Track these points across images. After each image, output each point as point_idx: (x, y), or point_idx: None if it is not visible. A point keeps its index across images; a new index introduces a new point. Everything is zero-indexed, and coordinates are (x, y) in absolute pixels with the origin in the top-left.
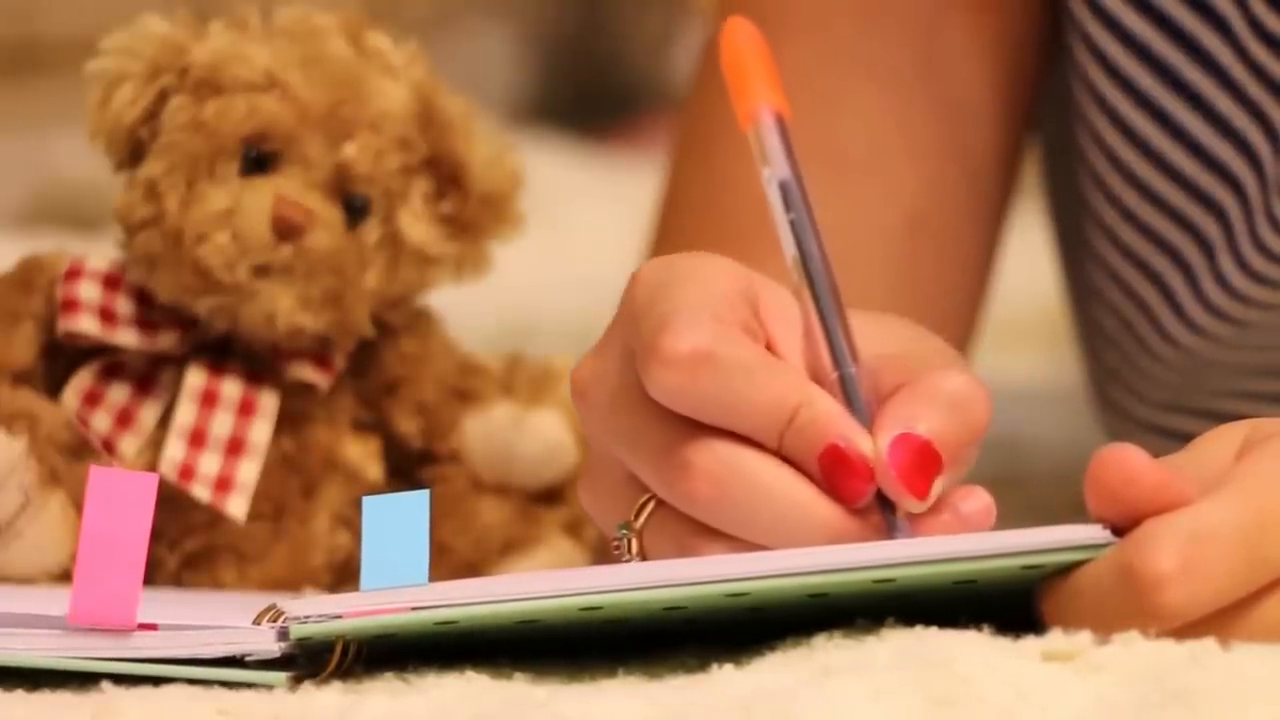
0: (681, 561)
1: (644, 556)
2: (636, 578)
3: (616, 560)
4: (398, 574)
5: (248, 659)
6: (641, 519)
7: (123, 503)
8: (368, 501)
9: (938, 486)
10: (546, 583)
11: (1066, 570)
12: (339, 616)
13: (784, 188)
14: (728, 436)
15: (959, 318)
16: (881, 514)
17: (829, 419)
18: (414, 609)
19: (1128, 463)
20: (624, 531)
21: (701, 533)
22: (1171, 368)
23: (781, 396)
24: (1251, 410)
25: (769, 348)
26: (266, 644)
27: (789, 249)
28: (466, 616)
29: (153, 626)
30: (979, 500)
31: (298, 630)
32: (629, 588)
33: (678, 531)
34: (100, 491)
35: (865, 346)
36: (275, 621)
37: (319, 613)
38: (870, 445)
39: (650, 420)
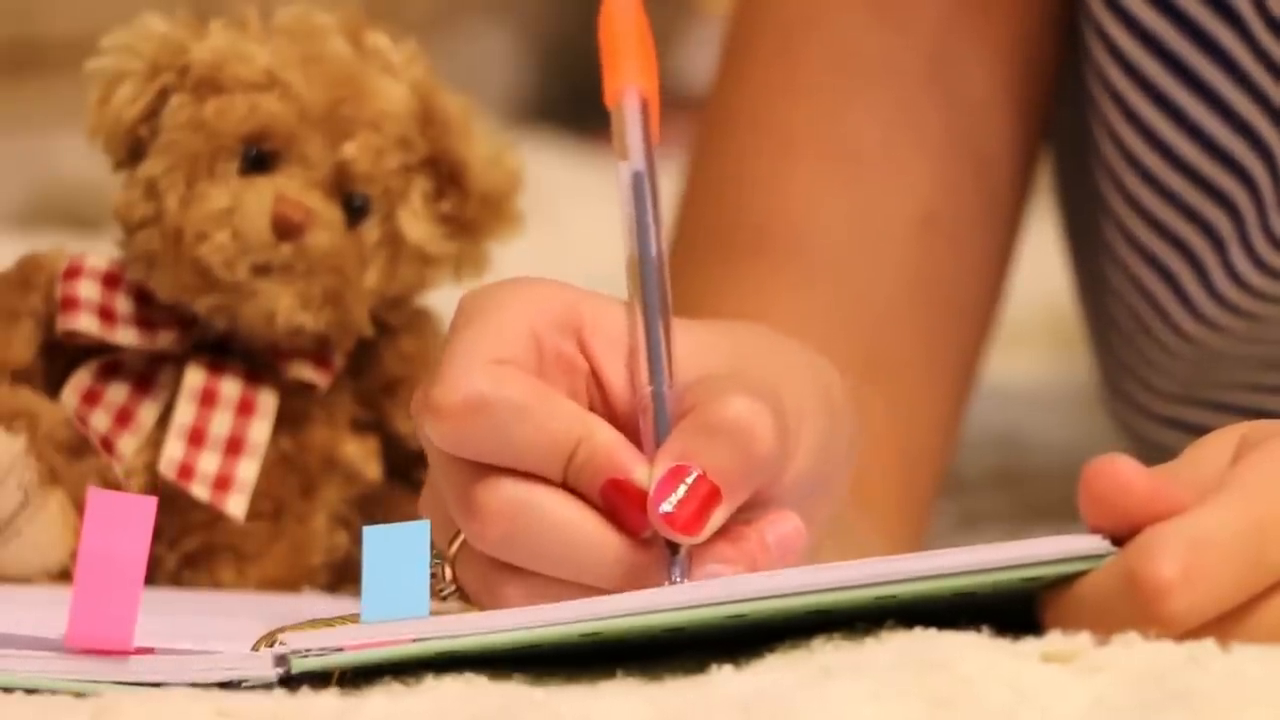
0: (684, 586)
1: (457, 584)
2: (637, 604)
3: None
4: (398, 605)
5: (244, 684)
6: (454, 548)
7: (121, 524)
8: (368, 532)
9: (716, 519)
10: (546, 613)
11: (1068, 580)
12: (340, 649)
13: (636, 181)
14: (516, 474)
15: (974, 315)
16: (663, 547)
17: (608, 453)
18: (415, 640)
19: (1119, 472)
20: (437, 560)
21: (500, 569)
22: (1182, 361)
23: (563, 432)
24: (1262, 402)
25: (593, 372)
26: (264, 671)
27: (628, 248)
28: (467, 648)
29: (150, 650)
30: (785, 524)
31: (299, 664)
32: (629, 613)
33: (480, 566)
34: (99, 513)
35: (694, 363)
36: (273, 647)
37: (320, 646)
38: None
39: (447, 458)
